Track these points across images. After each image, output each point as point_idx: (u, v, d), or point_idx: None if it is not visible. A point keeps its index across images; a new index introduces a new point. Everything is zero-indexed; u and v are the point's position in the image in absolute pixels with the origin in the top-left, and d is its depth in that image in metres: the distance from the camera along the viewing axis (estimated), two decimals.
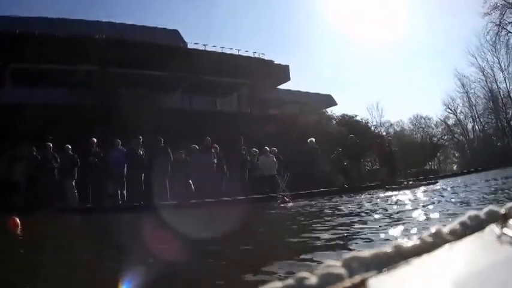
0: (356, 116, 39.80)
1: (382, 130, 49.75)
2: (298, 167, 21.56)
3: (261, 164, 20.02)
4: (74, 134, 18.26)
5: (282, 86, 39.28)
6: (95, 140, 17.50)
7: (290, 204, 14.79)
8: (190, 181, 18.37)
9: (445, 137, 60.13)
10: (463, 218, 1.06)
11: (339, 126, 33.53)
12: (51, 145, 17.00)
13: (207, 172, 18.25)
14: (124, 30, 30.73)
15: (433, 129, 59.68)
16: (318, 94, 41.92)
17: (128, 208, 15.72)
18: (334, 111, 41.64)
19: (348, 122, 36.29)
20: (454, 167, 59.32)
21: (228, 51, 34.76)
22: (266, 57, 37.04)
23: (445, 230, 0.99)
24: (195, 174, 18.34)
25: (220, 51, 34.27)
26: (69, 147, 17.17)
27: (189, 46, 34.12)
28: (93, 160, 17.14)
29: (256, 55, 36.61)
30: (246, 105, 36.10)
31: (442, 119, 59.06)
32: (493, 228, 1.03)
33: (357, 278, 0.77)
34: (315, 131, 26.50)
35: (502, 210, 1.08)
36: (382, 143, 24.39)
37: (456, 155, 63.35)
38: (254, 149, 20.70)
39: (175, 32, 35.06)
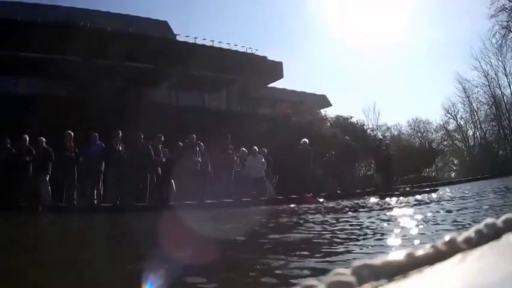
0: (351, 117, 39.40)
1: (378, 133, 49.19)
2: (288, 169, 21.22)
3: (248, 165, 19.62)
4: (51, 127, 17.74)
5: (275, 84, 39.33)
6: (71, 133, 16.67)
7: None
8: (172, 181, 17.89)
9: (445, 143, 59.61)
10: (479, 225, 1.03)
11: (333, 128, 33.07)
12: (27, 137, 16.33)
13: (190, 171, 17.72)
14: (110, 19, 30.32)
15: (432, 134, 59.15)
16: (312, 94, 41.87)
17: (103, 208, 15.29)
18: (329, 112, 41.37)
19: (343, 124, 35.78)
20: (452, 175, 58.77)
21: (219, 45, 34.60)
22: (259, 53, 36.78)
23: (460, 238, 0.97)
24: (177, 173, 17.73)
25: (210, 44, 34.08)
26: (43, 140, 16.46)
27: (178, 38, 33.93)
28: (69, 155, 16.44)
29: (249, 50, 36.40)
30: (235, 102, 35.74)
31: (441, 124, 58.62)
32: (510, 237, 1.00)
33: (366, 287, 0.76)
34: (308, 132, 26.15)
35: None
36: (379, 146, 24.03)
37: (455, 162, 62.83)
38: (242, 148, 20.31)
39: (165, 24, 34.84)
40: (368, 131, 43.67)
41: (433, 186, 21.58)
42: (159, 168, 17.74)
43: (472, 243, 0.97)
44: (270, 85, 39.08)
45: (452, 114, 57.93)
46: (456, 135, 59.45)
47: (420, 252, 0.89)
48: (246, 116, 30.24)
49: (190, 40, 33.46)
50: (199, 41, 33.59)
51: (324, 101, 42.42)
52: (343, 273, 0.78)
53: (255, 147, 20.02)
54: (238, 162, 20.00)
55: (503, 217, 1.07)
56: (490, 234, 1.01)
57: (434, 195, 16.00)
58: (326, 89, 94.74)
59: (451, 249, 0.93)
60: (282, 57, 67.16)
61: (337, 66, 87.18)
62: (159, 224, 9.41)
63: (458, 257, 0.91)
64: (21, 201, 15.08)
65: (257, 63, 34.93)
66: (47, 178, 16.21)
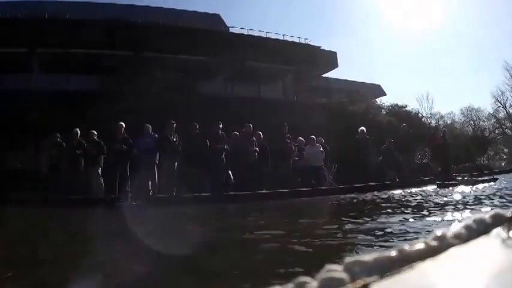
0: (406, 106, 37.92)
1: (432, 122, 47.73)
2: (347, 158, 20.29)
3: (306, 154, 18.51)
4: (103, 121, 16.68)
5: (330, 74, 37.90)
6: (123, 124, 15.53)
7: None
8: (229, 171, 16.66)
9: (496, 131, 57.65)
10: (468, 221, 1.06)
11: (388, 117, 31.77)
12: (78, 131, 15.45)
13: (248, 161, 16.73)
14: (161, 14, 29.82)
15: (484, 122, 57.29)
16: (366, 83, 40.81)
17: (158, 200, 14.08)
18: (384, 101, 40.06)
19: (398, 113, 34.37)
20: (503, 164, 56.68)
21: (273, 37, 33.33)
22: (313, 43, 35.35)
23: (450, 233, 0.99)
24: (234, 163, 16.68)
25: (264, 36, 32.86)
26: (95, 133, 15.55)
27: (232, 31, 32.91)
28: (120, 147, 15.26)
29: (302, 41, 35.01)
30: (291, 92, 34.39)
31: (491, 112, 56.68)
32: (499, 232, 1.03)
33: (358, 283, 0.76)
34: (364, 120, 24.85)
35: (508, 214, 1.09)
36: (436, 134, 22.80)
37: (505, 151, 60.82)
38: (300, 138, 19.17)
39: (217, 17, 33.94)
40: (423, 119, 42.29)
41: (492, 175, 20.54)
42: (223, 156, 16.45)
43: (462, 239, 0.97)
44: (324, 75, 37.77)
45: (502, 102, 55.94)
46: (507, 123, 57.26)
47: (411, 248, 0.88)
48: (302, 106, 29.02)
49: (244, 32, 32.49)
50: (252, 33, 32.57)
51: (379, 91, 41.06)
52: (335, 270, 0.77)
53: (313, 136, 18.96)
54: (296, 152, 18.81)
55: (492, 212, 1.09)
56: (480, 230, 1.03)
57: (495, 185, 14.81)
58: (380, 79, 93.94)
59: (442, 245, 0.92)
60: (336, 47, 65.88)
61: (391, 56, 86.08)
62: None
63: (449, 252, 0.91)
64: (69, 194, 14.36)
65: (312, 54, 33.50)
66: (99, 171, 15.32)
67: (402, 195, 12.91)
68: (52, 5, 26.78)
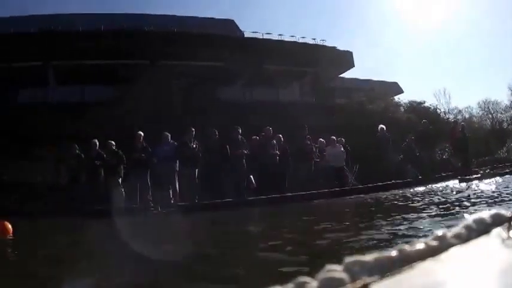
0: (424, 102, 37.50)
1: (450, 117, 47.07)
2: (367, 156, 20.01)
3: (328, 155, 18.18)
4: (121, 131, 16.63)
5: (347, 73, 37.58)
6: (141, 133, 15.34)
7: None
8: (251, 176, 16.36)
9: None
10: (468, 221, 1.06)
11: (407, 114, 31.44)
12: (96, 142, 15.33)
13: (269, 165, 16.39)
14: (175, 22, 29.66)
15: (502, 114, 56.38)
16: (384, 82, 40.15)
17: (179, 208, 13.71)
18: (401, 98, 39.70)
19: (416, 109, 34.01)
20: None
21: (288, 39, 33.04)
22: (328, 44, 34.96)
23: (450, 234, 0.99)
24: (255, 167, 16.48)
25: (279, 39, 32.58)
26: (113, 143, 15.36)
27: (247, 35, 32.72)
28: (140, 156, 15.08)
29: (317, 42, 34.65)
30: (309, 94, 34.03)
31: (509, 104, 55.77)
32: (499, 232, 1.03)
33: (358, 283, 0.76)
34: (384, 118, 24.54)
35: (508, 214, 1.09)
36: (455, 129, 22.41)
37: None
38: (320, 139, 18.85)
39: (231, 22, 33.66)
40: (441, 115, 41.82)
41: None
42: (244, 161, 16.18)
43: (462, 239, 0.97)
44: (341, 75, 37.41)
45: None
46: None
47: (411, 248, 0.88)
48: (321, 107, 28.68)
49: (259, 36, 32.13)
50: (267, 37, 32.24)
51: (396, 88, 40.70)
52: (335, 270, 0.76)
53: (333, 136, 18.65)
54: (317, 153, 18.50)
55: (492, 212, 1.10)
56: (480, 230, 1.03)
57: None
58: (396, 76, 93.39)
59: (442, 245, 0.92)
60: (352, 47, 65.35)
61: (404, 52, 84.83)
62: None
63: (449, 252, 0.91)
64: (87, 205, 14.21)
65: (327, 54, 33.04)
66: (120, 181, 15.12)
67: (425, 192, 12.77)
68: (65, 18, 26.92)
